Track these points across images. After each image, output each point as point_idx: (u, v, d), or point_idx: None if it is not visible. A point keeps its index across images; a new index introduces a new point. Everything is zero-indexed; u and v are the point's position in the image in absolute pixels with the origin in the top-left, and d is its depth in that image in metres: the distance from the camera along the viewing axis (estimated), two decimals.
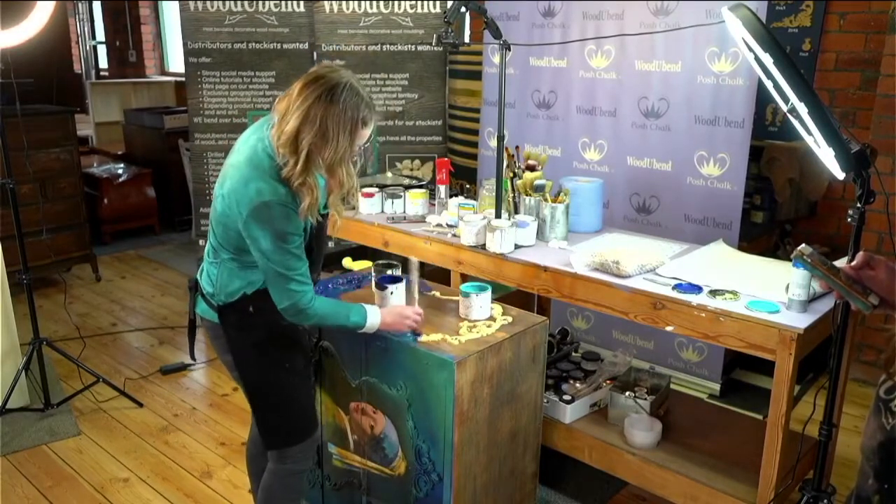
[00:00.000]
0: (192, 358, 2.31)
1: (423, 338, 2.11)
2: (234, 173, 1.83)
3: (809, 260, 1.46)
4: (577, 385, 2.67)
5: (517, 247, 2.58)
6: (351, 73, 1.84)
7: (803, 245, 1.50)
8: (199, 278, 2.04)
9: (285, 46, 4.32)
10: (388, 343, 2.13)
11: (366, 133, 1.83)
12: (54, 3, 3.33)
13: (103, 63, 8.77)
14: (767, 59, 1.67)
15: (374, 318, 2.00)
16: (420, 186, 3.15)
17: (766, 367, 2.22)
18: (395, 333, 2.10)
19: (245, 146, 1.86)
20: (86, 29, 8.32)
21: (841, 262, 1.49)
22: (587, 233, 2.81)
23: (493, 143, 3.06)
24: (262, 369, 2.02)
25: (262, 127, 1.87)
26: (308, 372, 2.16)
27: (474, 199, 2.97)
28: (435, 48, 4.10)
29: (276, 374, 2.03)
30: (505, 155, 2.67)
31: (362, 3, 4.29)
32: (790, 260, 2.05)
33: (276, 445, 2.09)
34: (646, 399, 2.52)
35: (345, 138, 1.77)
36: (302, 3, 4.30)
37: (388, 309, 2.09)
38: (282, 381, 2.04)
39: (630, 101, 3.33)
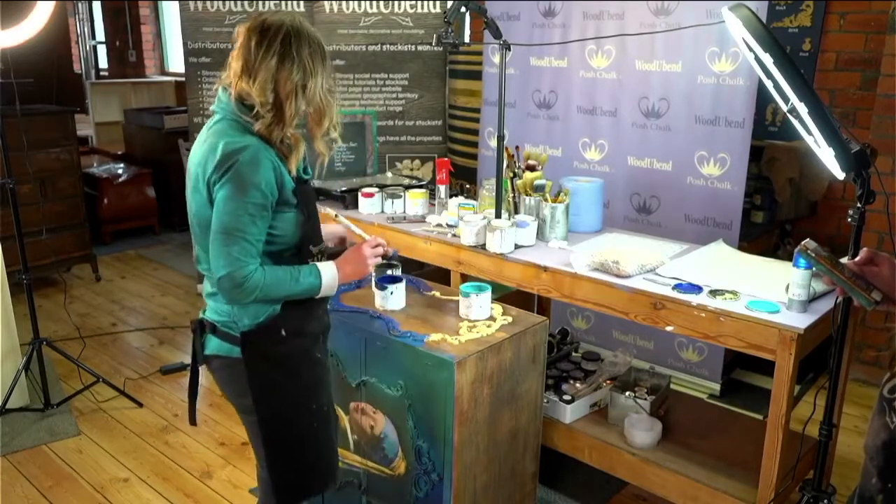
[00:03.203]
0: (193, 423, 1.96)
1: (424, 338, 2.11)
2: (196, 159, 1.67)
3: (813, 255, 1.46)
4: (577, 385, 2.67)
5: (517, 247, 2.58)
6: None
7: (807, 240, 1.50)
8: (202, 317, 1.80)
9: None
10: (388, 343, 2.13)
11: (329, 63, 1.73)
12: (54, 3, 3.33)
13: (103, 63, 8.77)
14: (767, 59, 1.67)
15: (329, 273, 1.75)
16: (420, 186, 3.15)
17: (766, 367, 2.22)
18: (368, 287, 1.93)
19: (199, 144, 1.71)
20: (86, 29, 8.32)
21: (843, 261, 1.49)
22: (587, 233, 2.81)
23: (493, 143, 3.06)
24: (289, 410, 1.78)
25: (211, 123, 1.73)
26: (333, 411, 1.94)
27: (474, 199, 2.97)
28: (435, 48, 4.09)
29: (304, 417, 1.80)
30: (505, 155, 2.67)
31: (362, 3, 4.29)
32: (790, 260, 2.05)
33: (291, 501, 1.86)
34: (646, 399, 2.52)
35: (320, 66, 1.67)
36: (302, 3, 4.29)
37: (342, 257, 1.83)
38: (308, 425, 1.81)
39: (630, 101, 3.33)
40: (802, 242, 1.49)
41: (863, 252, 1.39)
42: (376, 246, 1.89)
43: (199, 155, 1.67)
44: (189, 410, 1.93)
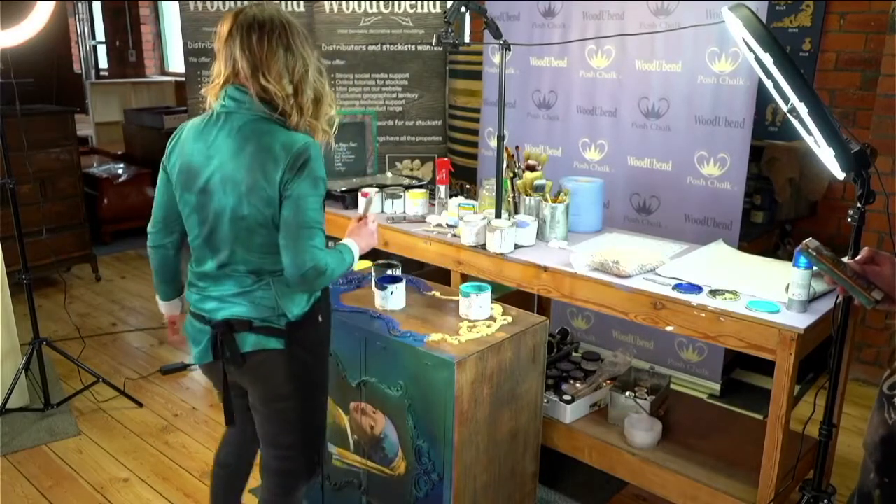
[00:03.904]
0: (232, 423, 2.01)
1: (424, 338, 2.11)
2: (240, 163, 1.66)
3: (815, 254, 1.47)
4: (577, 385, 2.67)
5: (517, 247, 2.58)
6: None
7: (809, 239, 1.50)
8: (219, 318, 1.79)
9: None
10: (388, 343, 2.13)
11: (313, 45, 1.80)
12: (54, 3, 3.34)
13: (103, 63, 8.77)
14: (767, 59, 1.67)
15: (355, 247, 1.89)
16: (420, 186, 3.15)
17: (766, 367, 2.22)
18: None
19: (219, 147, 1.70)
20: (86, 29, 8.32)
21: (845, 261, 1.49)
22: (587, 233, 2.81)
23: (493, 143, 3.06)
24: (317, 391, 1.90)
25: (218, 120, 1.74)
26: None
27: (474, 199, 2.97)
28: (435, 48, 4.10)
29: (323, 395, 1.94)
30: (505, 155, 2.67)
31: (362, 3, 4.29)
32: (790, 260, 2.06)
33: (312, 476, 1.97)
34: (646, 399, 2.52)
35: (310, 50, 1.74)
36: (302, 3, 4.29)
37: (354, 234, 1.94)
38: (324, 403, 1.96)
39: (630, 101, 3.32)
40: (804, 241, 1.49)
41: (864, 251, 1.39)
42: (373, 221, 2.01)
43: (243, 159, 1.67)
44: (225, 412, 1.97)
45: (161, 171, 1.87)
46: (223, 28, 1.70)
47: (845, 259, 1.50)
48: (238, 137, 1.69)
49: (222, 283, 1.79)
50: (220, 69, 1.73)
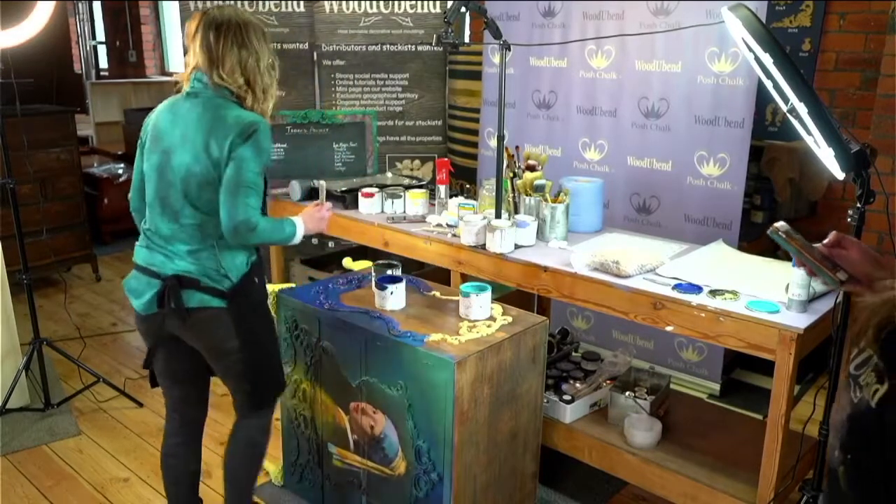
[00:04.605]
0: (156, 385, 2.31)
1: (424, 338, 2.11)
2: (199, 127, 1.92)
3: (784, 235, 1.50)
4: (577, 385, 2.67)
5: (517, 247, 2.58)
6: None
7: (780, 222, 1.53)
8: (168, 272, 1.98)
9: (285, 46, 4.32)
10: (388, 343, 2.13)
11: (269, 42, 2.07)
12: (54, 3, 3.34)
13: (103, 63, 8.77)
14: (767, 59, 1.68)
15: (301, 225, 2.13)
16: (420, 186, 3.15)
17: (766, 367, 2.22)
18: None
19: (184, 115, 1.97)
20: (86, 29, 8.32)
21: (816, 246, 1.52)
22: (587, 233, 2.81)
23: (493, 143, 3.06)
24: (266, 339, 2.12)
25: (187, 98, 2.00)
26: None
27: (474, 199, 2.97)
28: (435, 48, 4.10)
29: (273, 342, 2.18)
30: (505, 155, 2.67)
31: (362, 3, 4.29)
32: (790, 260, 2.06)
33: (275, 396, 2.23)
34: (646, 399, 2.52)
35: (264, 47, 2.01)
36: (302, 3, 4.29)
37: (304, 215, 2.18)
38: (275, 347, 2.20)
39: (630, 101, 3.33)
40: (774, 224, 1.51)
41: (831, 235, 1.44)
42: (328, 209, 2.26)
43: (203, 123, 1.93)
44: (148, 361, 2.23)
45: (139, 145, 2.11)
46: (191, 26, 1.99)
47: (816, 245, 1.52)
48: (201, 108, 1.96)
49: (173, 241, 2.00)
50: (189, 60, 2.02)
